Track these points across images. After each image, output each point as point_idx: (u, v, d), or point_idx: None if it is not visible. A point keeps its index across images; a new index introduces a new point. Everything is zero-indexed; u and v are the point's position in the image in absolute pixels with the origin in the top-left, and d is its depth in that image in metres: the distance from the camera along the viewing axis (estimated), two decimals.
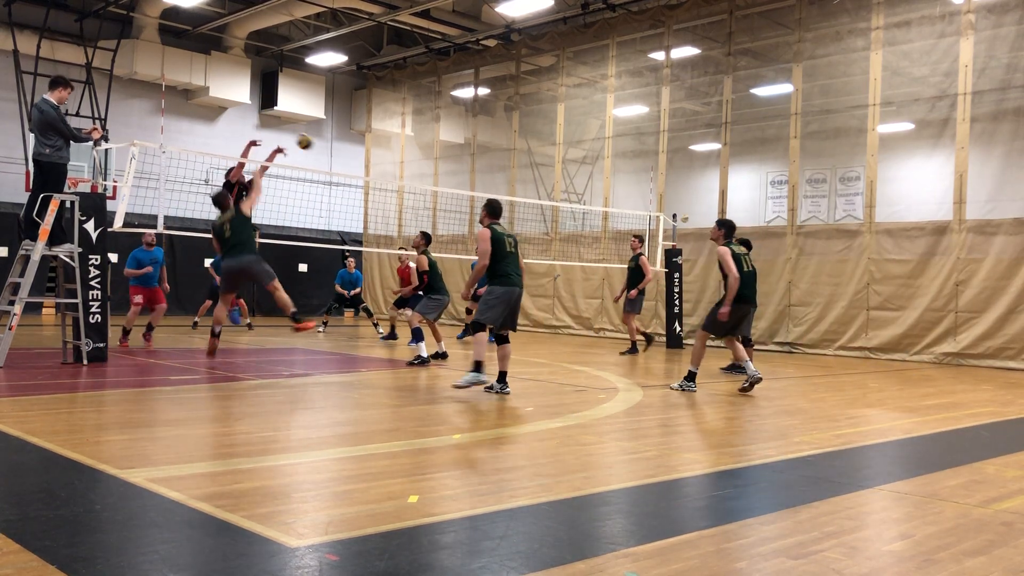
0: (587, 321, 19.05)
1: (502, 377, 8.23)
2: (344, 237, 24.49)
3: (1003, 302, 13.36)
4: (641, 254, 14.23)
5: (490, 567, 3.26)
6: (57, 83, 9.52)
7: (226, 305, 10.83)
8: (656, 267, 16.57)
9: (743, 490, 4.82)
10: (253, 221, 10.87)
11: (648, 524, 4.05)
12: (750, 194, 19.61)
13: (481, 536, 3.63)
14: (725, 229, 9.34)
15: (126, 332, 12.52)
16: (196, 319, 16.48)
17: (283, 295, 10.44)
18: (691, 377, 9.16)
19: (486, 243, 8.17)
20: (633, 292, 13.83)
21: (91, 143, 10.07)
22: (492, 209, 8.43)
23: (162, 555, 3.27)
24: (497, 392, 8.16)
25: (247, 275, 10.56)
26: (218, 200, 10.66)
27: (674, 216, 17.02)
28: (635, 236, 14.85)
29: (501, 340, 8.33)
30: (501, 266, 8.20)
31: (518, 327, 8.55)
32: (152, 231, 11.59)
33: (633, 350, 14.00)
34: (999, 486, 5.00)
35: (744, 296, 9.11)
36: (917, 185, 16.27)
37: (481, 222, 8.47)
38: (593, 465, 5.31)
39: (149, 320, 13.10)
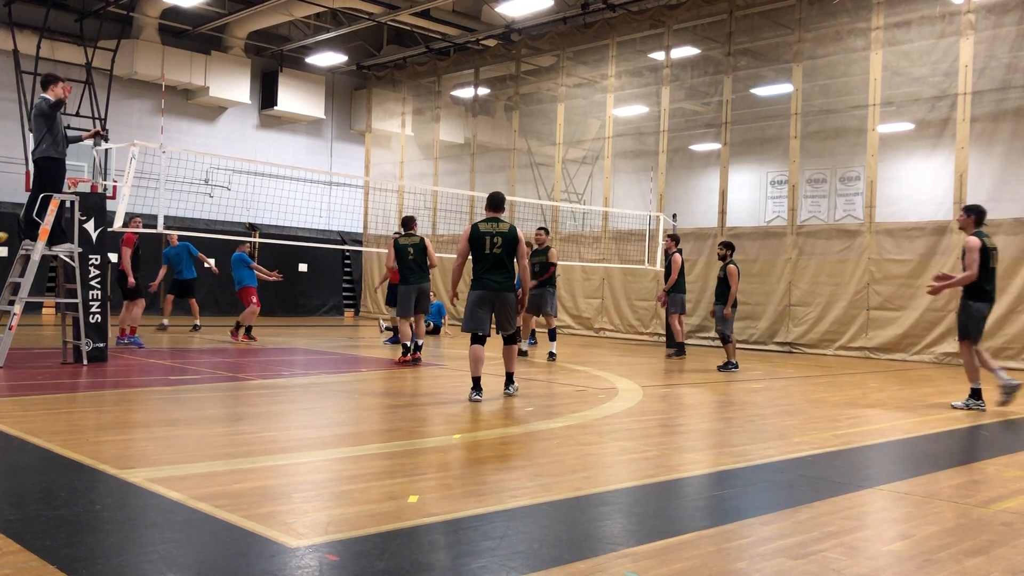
0: (587, 321, 19.05)
1: (509, 378, 8.16)
2: (344, 237, 24.49)
3: (1003, 302, 13.35)
4: (676, 252, 13.81)
5: (490, 567, 3.26)
6: (49, 81, 9.50)
7: (408, 323, 11.31)
8: (657, 267, 16.57)
9: (743, 490, 4.82)
10: (254, 221, 11.06)
11: (648, 524, 4.05)
12: (750, 194, 19.61)
13: (481, 536, 3.63)
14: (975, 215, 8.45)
15: (248, 329, 13.79)
16: (164, 320, 16.06)
17: (422, 326, 11.37)
18: (976, 395, 8.32)
19: (463, 241, 7.88)
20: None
21: (91, 143, 10.07)
22: (488, 202, 7.96)
23: (162, 555, 3.27)
24: (506, 394, 8.13)
25: (417, 298, 11.12)
26: (408, 222, 11.50)
27: (674, 216, 17.02)
28: (669, 236, 14.36)
29: (507, 341, 8.06)
30: (475, 268, 7.88)
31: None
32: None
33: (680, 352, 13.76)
34: (999, 486, 5.00)
35: (992, 295, 8.43)
36: (917, 185, 16.26)
37: None
38: (593, 465, 5.31)
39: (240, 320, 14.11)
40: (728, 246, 11.98)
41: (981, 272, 8.22)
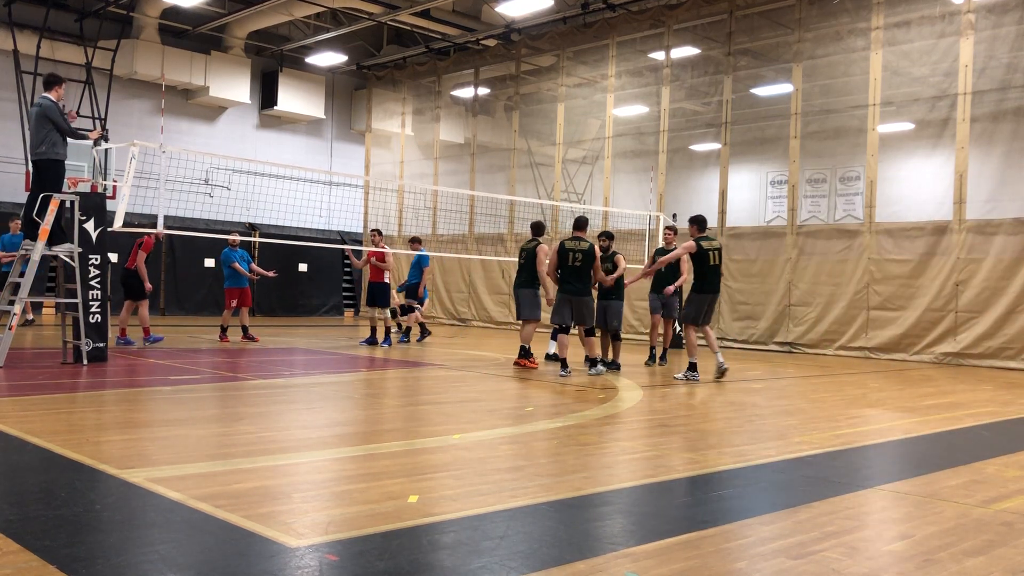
0: None
1: (591, 362, 10.01)
2: (344, 237, 24.48)
3: (1003, 302, 13.37)
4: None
5: (490, 567, 3.26)
6: (52, 82, 9.51)
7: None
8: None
9: (743, 490, 4.82)
10: (254, 221, 11.13)
11: (648, 524, 4.05)
12: (750, 194, 19.61)
13: (481, 536, 3.63)
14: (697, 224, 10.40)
15: (245, 329, 14.07)
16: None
17: (530, 331, 11.20)
18: (693, 368, 10.08)
19: (553, 255, 10.10)
20: (669, 289, 11.48)
21: (91, 143, 10.08)
22: (574, 224, 10.19)
23: (162, 555, 3.27)
24: (590, 374, 9.92)
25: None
26: (537, 227, 11.57)
27: (673, 216, 17.02)
28: (668, 228, 12.99)
29: (588, 333, 10.10)
30: (560, 275, 10.09)
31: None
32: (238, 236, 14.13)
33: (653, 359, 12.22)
34: (999, 486, 5.00)
35: (713, 286, 10.26)
36: (917, 185, 16.26)
37: None
38: (593, 465, 5.31)
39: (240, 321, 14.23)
40: (609, 236, 11.55)
41: (702, 268, 10.06)
